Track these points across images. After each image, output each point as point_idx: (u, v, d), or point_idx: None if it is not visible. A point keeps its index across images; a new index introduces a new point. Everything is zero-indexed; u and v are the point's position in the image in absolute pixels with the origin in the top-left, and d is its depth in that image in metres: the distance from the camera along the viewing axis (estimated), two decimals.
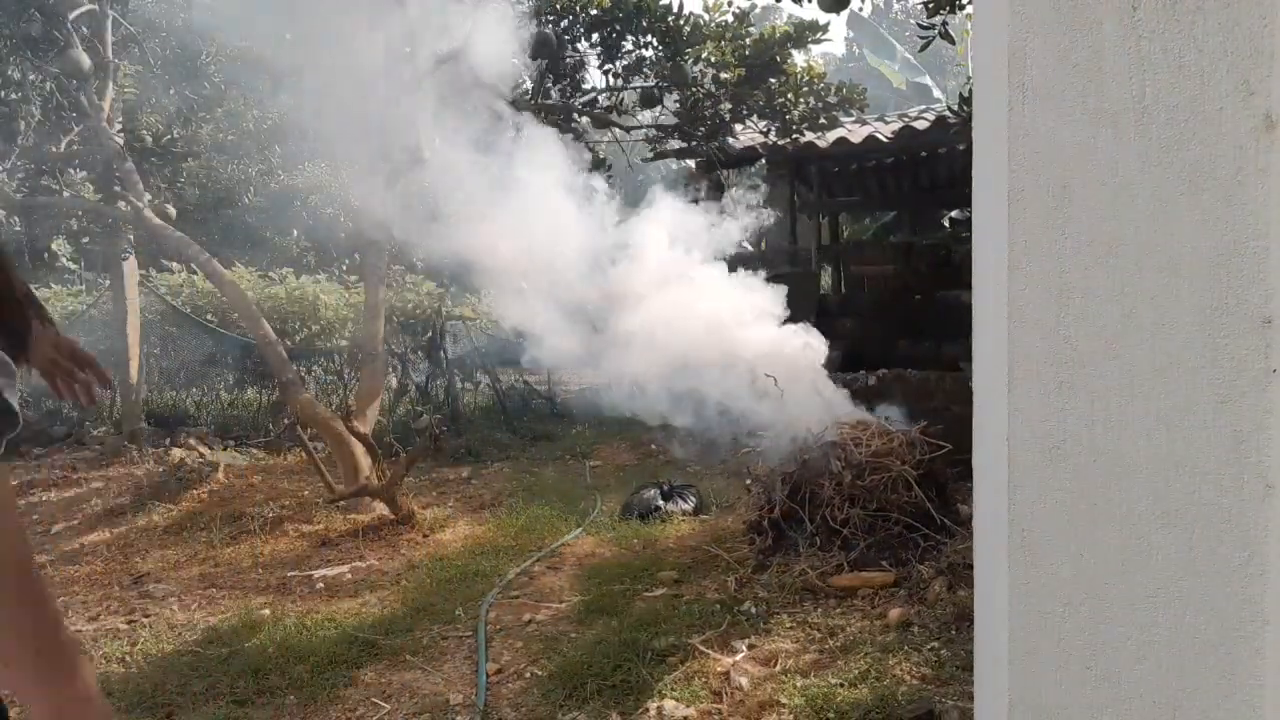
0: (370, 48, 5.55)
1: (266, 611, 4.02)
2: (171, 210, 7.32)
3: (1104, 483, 1.13)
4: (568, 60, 6.90)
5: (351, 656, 3.44)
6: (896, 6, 25.95)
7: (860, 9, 5.56)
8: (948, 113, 7.21)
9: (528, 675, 3.23)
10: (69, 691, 0.90)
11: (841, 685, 2.95)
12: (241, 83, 6.83)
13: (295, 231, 12.21)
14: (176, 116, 7.80)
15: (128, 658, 3.55)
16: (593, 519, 5.49)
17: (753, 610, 3.68)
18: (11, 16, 6.15)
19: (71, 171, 8.11)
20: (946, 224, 11.12)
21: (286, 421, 8.08)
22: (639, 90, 6.82)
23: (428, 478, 6.99)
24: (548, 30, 6.45)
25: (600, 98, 7.02)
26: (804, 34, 6.62)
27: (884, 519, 4.12)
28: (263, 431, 8.82)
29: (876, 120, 8.68)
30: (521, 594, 4.15)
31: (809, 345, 4.87)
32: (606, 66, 6.80)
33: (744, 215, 5.70)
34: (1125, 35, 1.08)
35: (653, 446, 7.50)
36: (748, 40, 6.72)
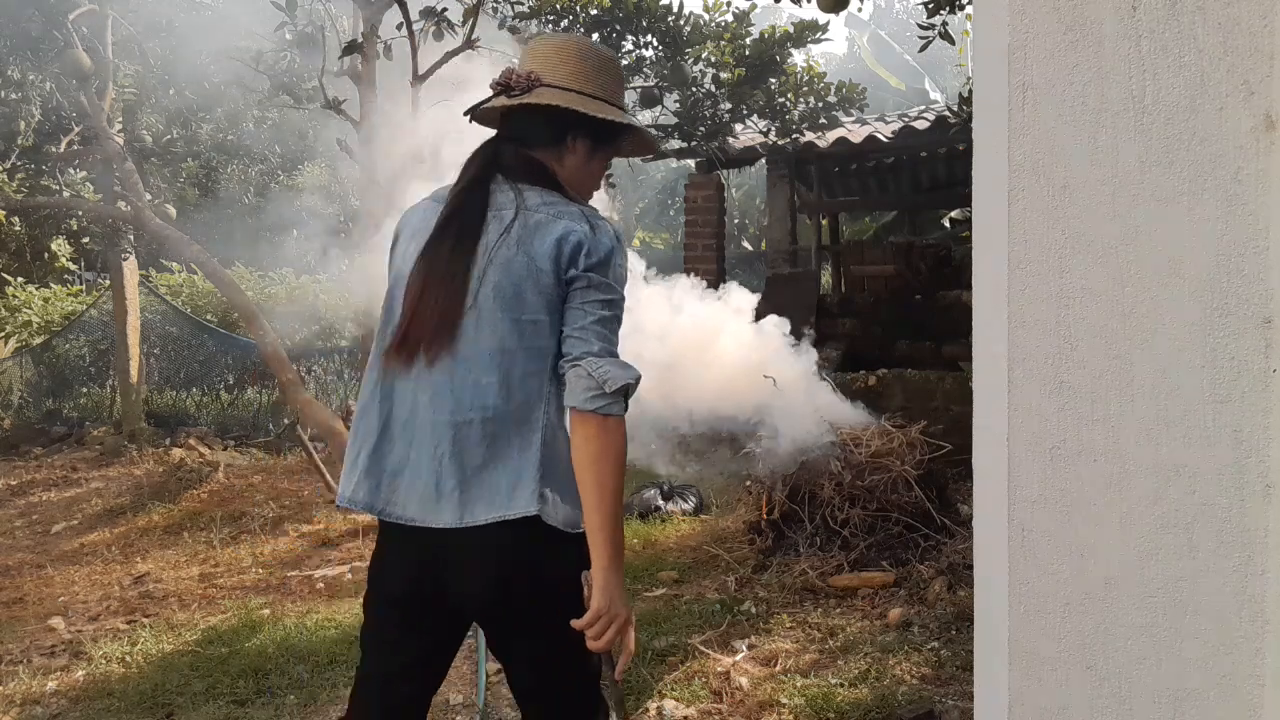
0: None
1: (266, 611, 4.02)
2: (171, 210, 7.33)
3: (1104, 483, 1.13)
4: None
5: (351, 656, 3.44)
6: (898, 7, 25.96)
7: (859, 10, 5.56)
8: (948, 113, 7.21)
9: None
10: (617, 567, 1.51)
11: (841, 685, 2.95)
12: (241, 82, 6.84)
13: (295, 231, 12.22)
14: (176, 116, 7.80)
15: (128, 658, 3.55)
16: None
17: (753, 610, 3.67)
18: (11, 16, 6.15)
19: (71, 171, 8.11)
20: (947, 224, 11.12)
21: (286, 421, 8.08)
22: (639, 90, 6.82)
23: None
24: (548, 30, 6.45)
25: None
26: (804, 34, 6.62)
27: (884, 519, 4.12)
28: (263, 431, 8.82)
29: (876, 120, 8.68)
30: None
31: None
32: None
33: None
34: (1125, 35, 1.08)
35: (653, 446, 7.50)
36: (748, 40, 6.72)
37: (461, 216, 1.58)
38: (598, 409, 1.49)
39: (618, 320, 1.58)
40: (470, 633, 3.63)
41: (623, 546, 1.52)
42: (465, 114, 1.75)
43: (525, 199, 1.58)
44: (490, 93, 1.67)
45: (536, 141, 1.65)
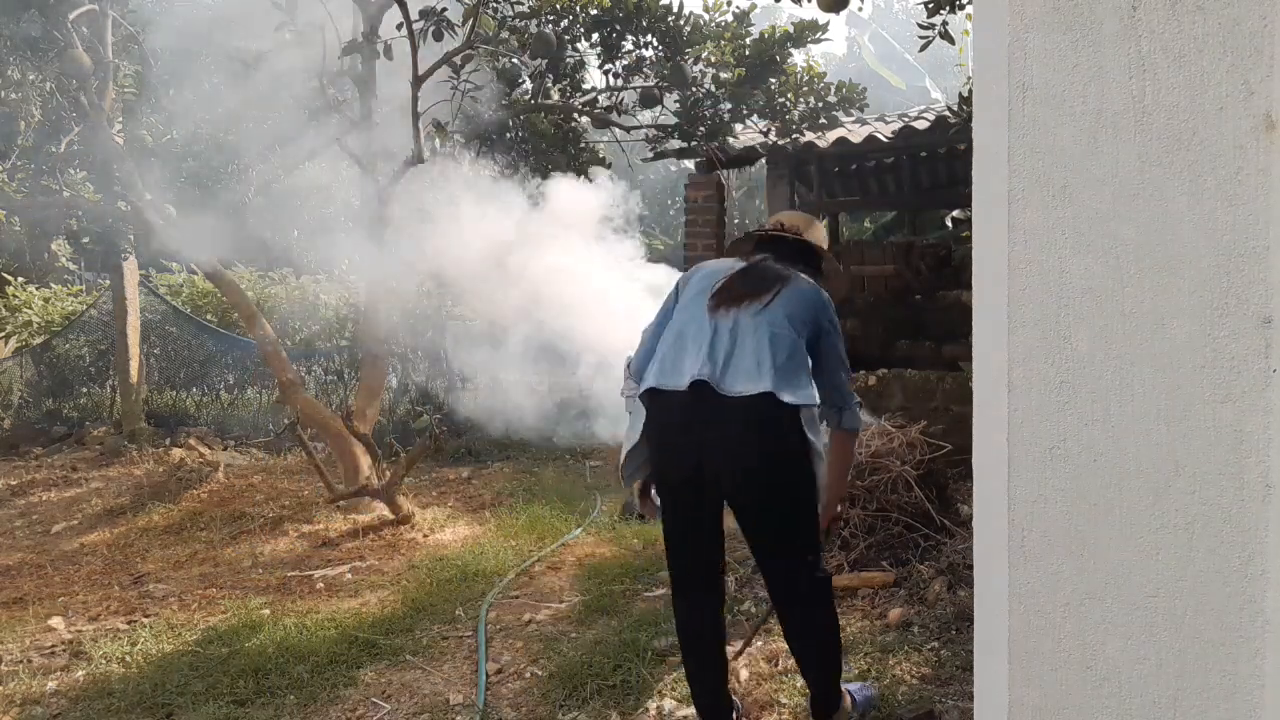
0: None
1: (266, 611, 4.02)
2: (171, 210, 7.32)
3: (1104, 483, 1.13)
4: (568, 60, 6.89)
5: (351, 656, 3.44)
6: (898, 7, 25.95)
7: (859, 9, 5.55)
8: (948, 113, 7.21)
9: (528, 675, 3.23)
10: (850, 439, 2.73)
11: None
12: (242, 82, 6.83)
13: (296, 232, 12.19)
14: (176, 116, 7.79)
15: (128, 658, 3.55)
16: (593, 519, 5.49)
17: (753, 610, 3.67)
18: (11, 16, 6.14)
19: (71, 171, 8.10)
20: (949, 224, 11.11)
21: (286, 421, 8.08)
22: (639, 90, 6.81)
23: (428, 478, 7.00)
24: (548, 30, 6.45)
25: (600, 98, 7.02)
26: (804, 34, 6.61)
27: (884, 519, 4.12)
28: (263, 431, 8.82)
29: (876, 120, 8.68)
30: (521, 594, 4.15)
31: None
32: (606, 66, 6.79)
33: None
34: (1125, 35, 1.08)
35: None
36: (748, 40, 6.71)
37: (768, 260, 2.64)
38: (855, 431, 2.65)
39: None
40: (470, 634, 3.64)
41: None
42: (750, 235, 2.95)
43: (795, 268, 2.62)
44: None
45: (787, 254, 2.71)
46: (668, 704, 2.88)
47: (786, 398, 2.28)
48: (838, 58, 24.81)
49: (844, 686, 2.66)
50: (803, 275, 2.57)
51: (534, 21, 6.39)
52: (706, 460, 2.35)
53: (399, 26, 5.37)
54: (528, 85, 6.82)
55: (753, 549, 2.58)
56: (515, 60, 6.55)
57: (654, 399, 2.45)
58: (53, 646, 3.75)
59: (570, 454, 7.75)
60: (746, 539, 2.53)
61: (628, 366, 2.69)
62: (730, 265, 2.63)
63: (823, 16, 6.13)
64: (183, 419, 9.39)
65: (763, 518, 2.43)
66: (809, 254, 2.75)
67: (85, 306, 10.34)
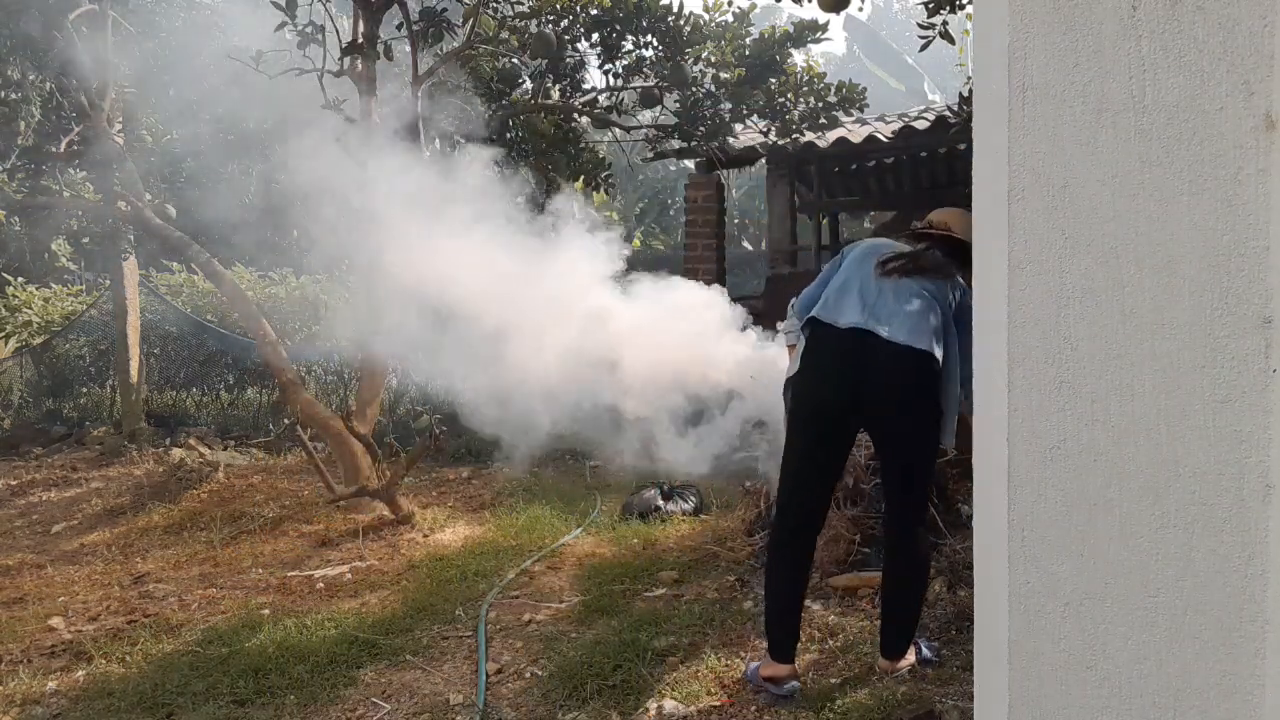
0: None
1: (266, 611, 4.02)
2: (171, 210, 7.31)
3: (1104, 483, 1.13)
4: (568, 60, 6.89)
5: (351, 656, 3.44)
6: (897, 7, 25.94)
7: (860, 9, 5.55)
8: (948, 113, 7.21)
9: (528, 675, 3.23)
10: None
11: (841, 685, 2.95)
12: (241, 82, 6.82)
13: (295, 231, 12.18)
14: (176, 116, 7.79)
15: (128, 658, 3.55)
16: (593, 519, 5.49)
17: (753, 610, 3.67)
18: (11, 16, 6.14)
19: (71, 171, 8.10)
20: None
21: (286, 421, 8.08)
22: (639, 90, 6.81)
23: (428, 478, 6.99)
24: (548, 30, 6.45)
25: (600, 98, 7.02)
26: (804, 34, 6.61)
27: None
28: (263, 431, 8.82)
29: (876, 120, 8.68)
30: (521, 594, 4.15)
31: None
32: (606, 66, 6.79)
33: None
34: (1125, 35, 1.08)
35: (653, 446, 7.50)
36: (748, 40, 6.71)
37: (934, 250, 2.99)
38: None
39: None
40: (470, 634, 3.64)
41: None
42: (918, 228, 3.21)
43: (954, 264, 2.96)
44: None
45: (947, 252, 2.99)
46: (668, 704, 2.88)
47: (938, 355, 2.75)
48: (837, 58, 24.81)
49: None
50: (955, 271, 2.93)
51: (534, 21, 6.39)
52: (864, 391, 2.74)
53: (399, 27, 5.38)
54: (528, 85, 6.82)
55: (890, 479, 2.95)
56: (515, 60, 6.55)
57: (814, 330, 2.86)
58: (53, 646, 3.75)
59: (570, 454, 7.74)
60: (885, 470, 2.97)
61: (791, 307, 3.12)
62: (894, 244, 3.03)
63: (823, 16, 6.13)
64: (183, 419, 9.38)
65: (903, 446, 2.83)
66: (962, 251, 2.96)
67: (85, 306, 10.33)
